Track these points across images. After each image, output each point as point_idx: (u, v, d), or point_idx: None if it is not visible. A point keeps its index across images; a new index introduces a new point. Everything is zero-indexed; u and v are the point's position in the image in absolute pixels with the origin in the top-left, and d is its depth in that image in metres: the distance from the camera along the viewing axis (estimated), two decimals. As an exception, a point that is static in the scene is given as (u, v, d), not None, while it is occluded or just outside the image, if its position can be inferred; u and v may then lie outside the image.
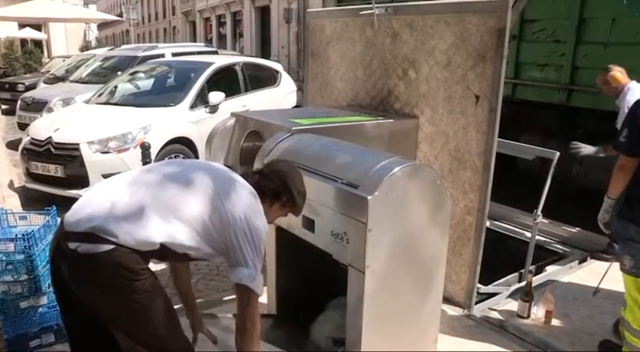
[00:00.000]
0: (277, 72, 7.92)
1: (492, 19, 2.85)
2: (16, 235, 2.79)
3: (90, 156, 5.15)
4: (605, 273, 2.95)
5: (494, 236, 4.20)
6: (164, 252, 1.73)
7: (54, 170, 5.28)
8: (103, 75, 9.02)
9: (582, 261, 3.97)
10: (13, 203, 5.34)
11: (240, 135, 3.29)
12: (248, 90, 7.06)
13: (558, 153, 3.50)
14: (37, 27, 21.81)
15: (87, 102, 6.82)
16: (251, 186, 1.92)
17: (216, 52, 10.75)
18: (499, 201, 4.40)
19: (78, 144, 5.18)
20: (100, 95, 6.79)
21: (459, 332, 3.02)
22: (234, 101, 6.58)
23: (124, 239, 1.66)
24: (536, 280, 3.52)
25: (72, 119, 6.00)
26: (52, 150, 5.29)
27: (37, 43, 21.38)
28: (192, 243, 1.76)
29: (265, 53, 20.66)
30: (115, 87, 6.96)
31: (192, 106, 6.05)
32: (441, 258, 2.43)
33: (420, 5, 3.35)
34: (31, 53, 18.34)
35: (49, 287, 2.83)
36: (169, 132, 5.74)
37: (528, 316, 3.16)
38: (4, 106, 11.74)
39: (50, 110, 7.72)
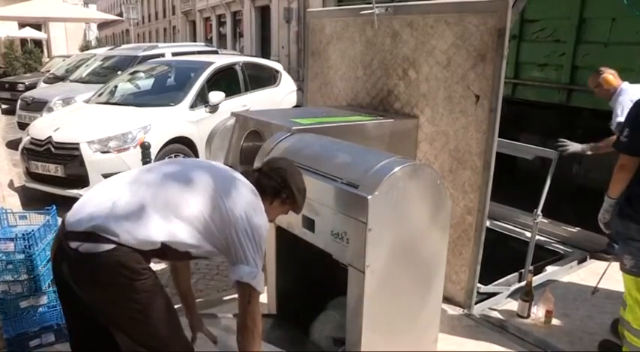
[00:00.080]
0: (277, 71, 7.91)
1: (492, 18, 2.85)
2: (16, 235, 2.79)
3: (90, 156, 5.14)
4: (604, 273, 2.95)
5: (494, 236, 4.20)
6: (165, 250, 1.73)
7: (54, 169, 5.27)
8: (103, 74, 9.01)
9: (582, 260, 3.97)
10: (13, 202, 5.34)
11: (240, 134, 3.28)
12: (248, 89, 7.05)
13: (558, 153, 3.51)
14: (37, 26, 21.84)
15: (87, 101, 6.81)
16: (251, 184, 1.92)
17: (216, 52, 10.72)
18: (499, 201, 4.40)
19: (78, 143, 5.18)
20: (100, 95, 6.78)
21: (458, 331, 3.02)
22: (234, 101, 6.57)
23: (124, 238, 1.66)
24: (536, 280, 3.52)
25: (72, 119, 5.99)
26: (52, 149, 5.29)
27: (37, 43, 21.35)
28: (194, 241, 1.76)
29: (265, 53, 20.64)
30: (115, 86, 6.95)
31: (193, 106, 6.04)
32: (441, 258, 2.43)
33: (420, 5, 3.35)
34: (31, 53, 18.30)
35: (49, 287, 2.84)
36: (169, 131, 5.74)
37: (528, 316, 3.16)
38: (4, 106, 11.74)
39: (50, 110, 7.71)
